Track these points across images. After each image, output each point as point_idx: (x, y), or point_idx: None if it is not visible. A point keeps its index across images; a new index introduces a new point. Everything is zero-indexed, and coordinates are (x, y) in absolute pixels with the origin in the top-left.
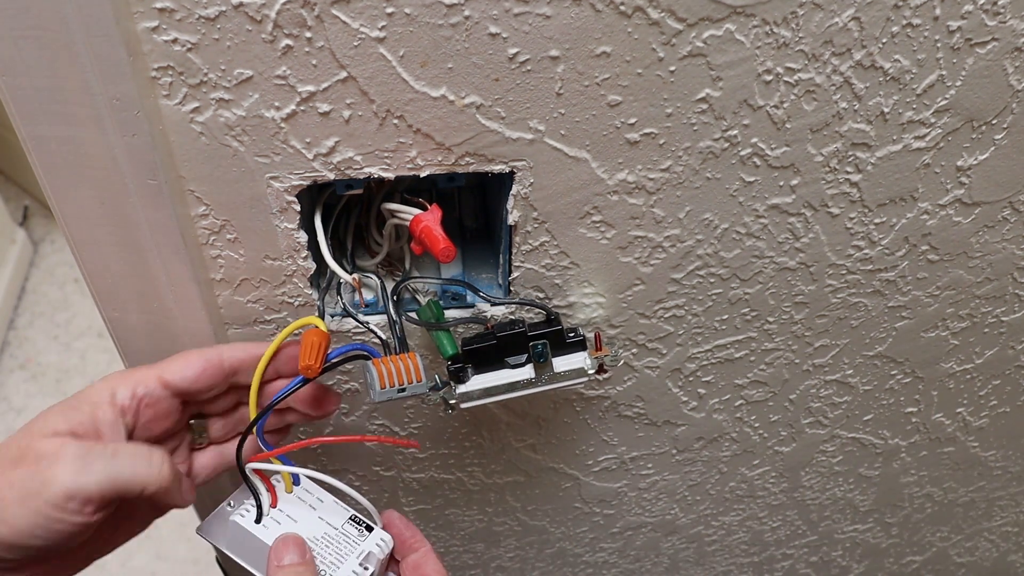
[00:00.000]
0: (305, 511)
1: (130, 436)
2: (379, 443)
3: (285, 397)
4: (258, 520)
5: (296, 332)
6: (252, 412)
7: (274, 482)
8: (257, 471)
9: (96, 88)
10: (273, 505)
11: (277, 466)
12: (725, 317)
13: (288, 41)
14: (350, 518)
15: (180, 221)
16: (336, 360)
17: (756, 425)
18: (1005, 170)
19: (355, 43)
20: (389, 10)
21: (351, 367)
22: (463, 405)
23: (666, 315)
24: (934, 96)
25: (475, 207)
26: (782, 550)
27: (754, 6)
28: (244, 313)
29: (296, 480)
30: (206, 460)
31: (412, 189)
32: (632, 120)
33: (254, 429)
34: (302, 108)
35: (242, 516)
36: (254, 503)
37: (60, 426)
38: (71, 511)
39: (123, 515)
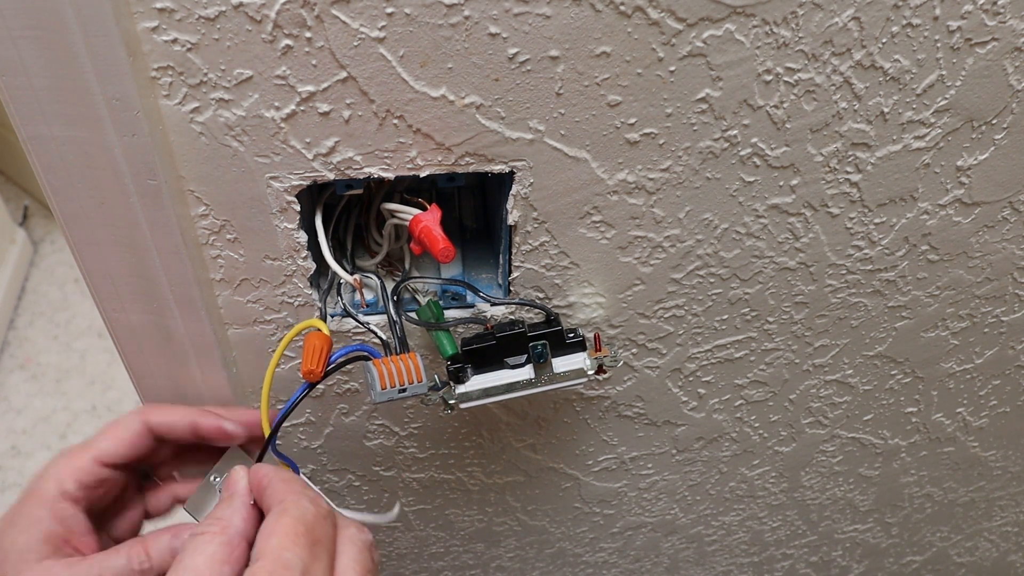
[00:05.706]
0: None
1: (90, 514)
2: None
3: (293, 408)
4: None
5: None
6: (265, 428)
7: None
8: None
9: (96, 88)
10: None
11: None
12: (725, 317)
13: (288, 41)
14: None
15: (180, 221)
16: (338, 362)
17: (756, 425)
18: (1005, 170)
19: (355, 43)
20: (389, 10)
21: (351, 367)
22: (462, 405)
23: (666, 315)
24: (934, 96)
25: (475, 207)
26: (782, 550)
27: (754, 6)
28: (244, 313)
29: None
30: (162, 499)
31: (412, 189)
32: (632, 120)
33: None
34: (302, 108)
35: None
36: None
37: (33, 542)
38: None
39: None
